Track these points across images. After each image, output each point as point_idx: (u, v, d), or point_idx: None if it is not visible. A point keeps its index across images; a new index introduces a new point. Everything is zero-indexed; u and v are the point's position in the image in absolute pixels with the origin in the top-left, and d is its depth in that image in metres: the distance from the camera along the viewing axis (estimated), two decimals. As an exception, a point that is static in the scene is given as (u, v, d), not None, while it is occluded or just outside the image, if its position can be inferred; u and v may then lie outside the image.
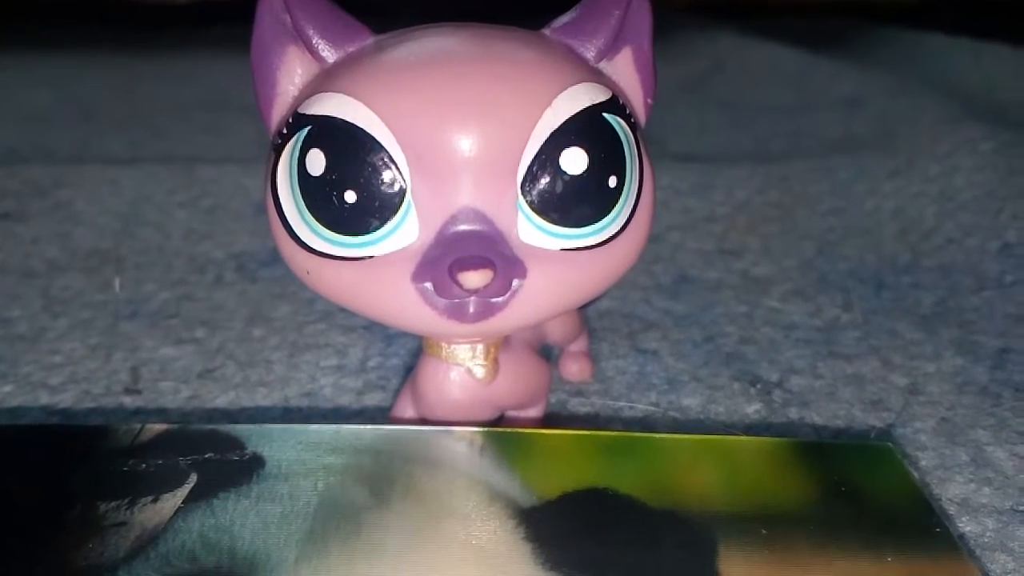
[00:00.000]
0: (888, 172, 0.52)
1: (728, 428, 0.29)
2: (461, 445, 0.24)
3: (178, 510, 0.22)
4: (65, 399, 0.30)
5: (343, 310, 0.23)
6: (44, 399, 0.30)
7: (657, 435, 0.26)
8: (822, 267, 0.43)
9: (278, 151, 0.22)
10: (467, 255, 0.20)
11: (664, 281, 0.40)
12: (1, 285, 0.39)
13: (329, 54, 0.22)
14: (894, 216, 0.48)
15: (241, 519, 0.21)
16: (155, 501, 0.22)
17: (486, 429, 0.25)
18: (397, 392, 0.29)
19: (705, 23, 1.00)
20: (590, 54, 0.23)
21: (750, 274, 0.42)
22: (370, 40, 0.22)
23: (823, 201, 0.50)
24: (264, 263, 0.41)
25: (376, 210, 0.21)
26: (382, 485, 0.23)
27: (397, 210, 0.21)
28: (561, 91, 0.21)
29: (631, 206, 0.22)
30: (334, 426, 0.25)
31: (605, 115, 0.22)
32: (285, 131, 0.21)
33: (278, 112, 0.23)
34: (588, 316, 0.35)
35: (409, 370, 0.32)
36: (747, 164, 0.55)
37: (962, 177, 0.49)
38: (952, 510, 0.26)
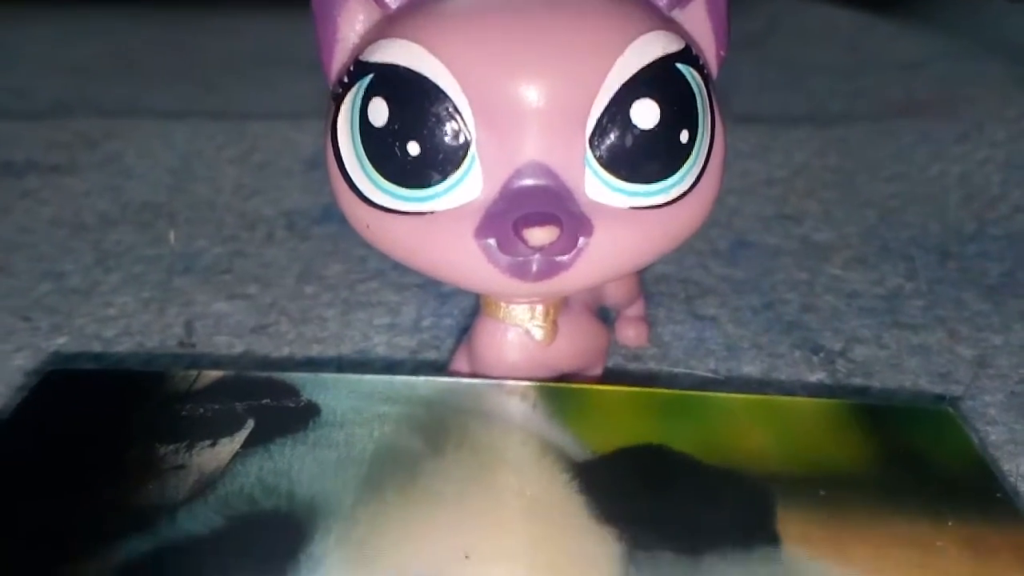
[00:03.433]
0: (954, 137, 0.50)
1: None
2: (514, 399, 0.24)
3: (236, 454, 0.22)
4: (119, 351, 0.30)
5: (396, 267, 0.22)
6: (98, 350, 0.30)
7: (712, 394, 0.26)
8: (884, 234, 0.41)
9: (338, 100, 0.21)
10: (533, 211, 0.20)
11: (721, 246, 0.39)
12: (53, 238, 0.39)
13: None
14: (959, 183, 0.46)
15: (298, 464, 0.21)
16: (213, 445, 0.22)
17: (540, 384, 0.24)
18: (451, 352, 0.29)
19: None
20: (662, 1, 0.22)
21: (810, 240, 0.41)
22: (436, -15, 0.21)
23: (884, 166, 0.49)
24: (315, 220, 0.41)
25: (439, 163, 0.20)
26: (436, 435, 0.23)
27: (461, 163, 0.20)
28: (633, 40, 0.20)
29: (702, 163, 0.21)
30: (388, 376, 0.25)
31: (678, 65, 0.21)
32: (346, 80, 0.21)
33: (339, 60, 0.22)
34: (644, 280, 0.34)
35: (463, 331, 0.31)
36: (805, 126, 0.54)
37: (1032, 143, 0.47)
38: (1023, 486, 0.25)
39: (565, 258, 0.20)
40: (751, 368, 0.30)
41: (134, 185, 0.44)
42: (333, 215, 0.22)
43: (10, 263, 0.37)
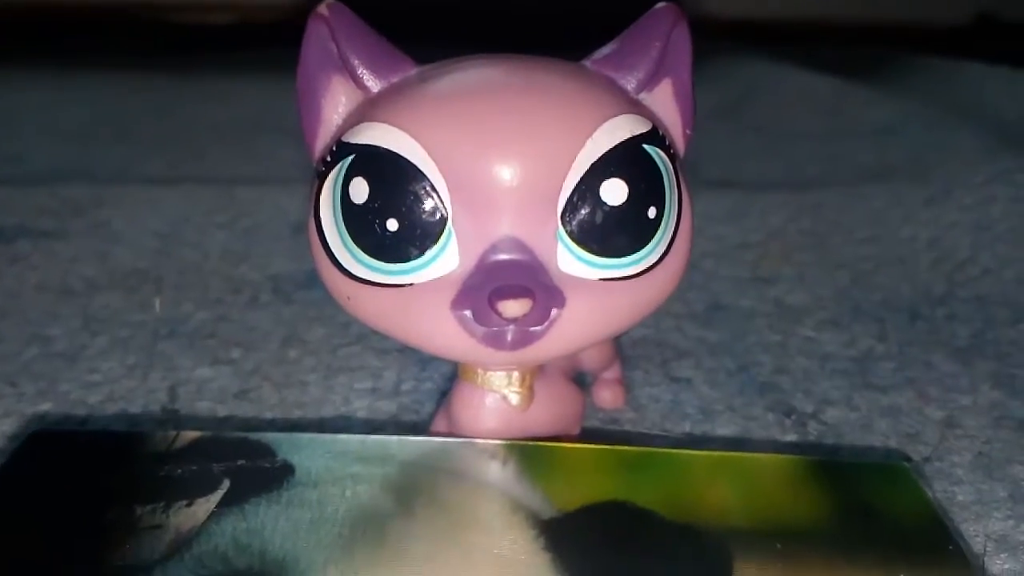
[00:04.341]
0: (923, 201, 0.51)
1: None
2: (484, 457, 0.25)
3: (211, 514, 0.22)
4: (103, 416, 0.31)
5: (377, 333, 0.23)
6: (83, 415, 0.31)
7: (675, 451, 0.26)
8: (856, 296, 0.42)
9: (321, 178, 0.22)
10: (507, 284, 0.21)
11: (697, 309, 0.40)
12: (40, 303, 0.40)
13: (373, 84, 0.22)
14: (929, 246, 0.47)
15: (272, 524, 0.22)
16: (189, 505, 0.23)
17: (509, 442, 0.25)
18: (431, 416, 0.29)
19: (736, 49, 1.00)
20: (630, 85, 0.23)
21: (784, 302, 0.42)
22: (413, 70, 0.23)
23: (857, 229, 0.50)
24: (300, 285, 0.41)
25: (417, 238, 0.21)
26: (408, 494, 0.23)
27: (438, 238, 0.21)
28: (602, 123, 0.21)
29: (669, 236, 0.22)
30: (361, 436, 0.26)
31: (645, 146, 0.22)
32: (329, 159, 0.22)
33: (322, 140, 0.23)
34: (621, 343, 0.35)
35: (443, 395, 0.32)
36: (780, 191, 0.55)
37: (998, 207, 0.49)
38: (991, 547, 0.25)
39: (538, 328, 0.21)
40: (725, 430, 0.31)
41: (122, 251, 0.45)
42: (317, 280, 0.22)
43: (-2, 328, 0.37)
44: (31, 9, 1.19)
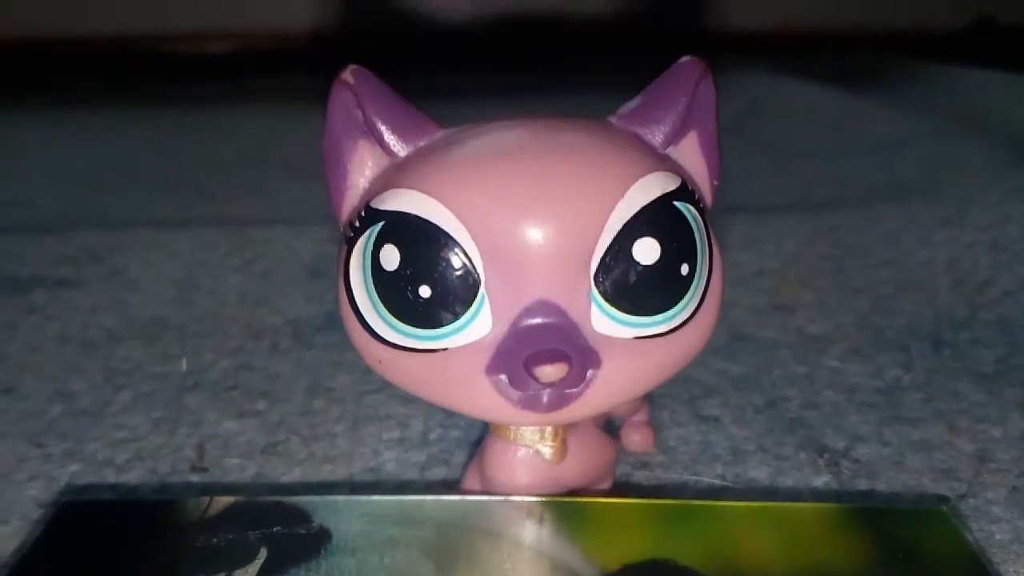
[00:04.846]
0: (938, 221, 0.51)
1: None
2: (521, 515, 0.24)
3: None
4: (132, 478, 0.30)
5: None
6: (112, 478, 0.30)
7: (714, 502, 0.26)
8: (878, 323, 0.42)
9: (350, 244, 0.22)
10: (543, 349, 0.20)
11: (719, 341, 0.40)
12: (63, 356, 0.40)
13: (400, 148, 0.22)
14: (947, 268, 0.47)
15: None
16: None
17: (545, 499, 0.25)
18: (463, 467, 0.29)
19: (736, 63, 1.00)
20: (657, 140, 0.23)
21: (806, 332, 0.41)
22: (440, 134, 0.22)
23: (874, 252, 0.50)
24: (319, 328, 0.41)
25: (450, 304, 0.21)
26: (447, 559, 0.23)
27: (471, 304, 0.21)
28: (633, 182, 0.21)
29: (701, 291, 0.22)
30: (396, 497, 0.25)
31: (676, 203, 0.22)
32: (358, 224, 0.22)
33: (348, 203, 0.23)
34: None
35: (471, 444, 0.32)
36: (794, 213, 0.55)
37: (1016, 227, 0.48)
38: (1032, 589, 0.25)
39: (574, 390, 0.21)
40: (757, 472, 0.30)
41: (140, 299, 0.45)
42: (336, 323, 0.22)
43: (20, 384, 0.37)
44: (21, 44, 1.18)
